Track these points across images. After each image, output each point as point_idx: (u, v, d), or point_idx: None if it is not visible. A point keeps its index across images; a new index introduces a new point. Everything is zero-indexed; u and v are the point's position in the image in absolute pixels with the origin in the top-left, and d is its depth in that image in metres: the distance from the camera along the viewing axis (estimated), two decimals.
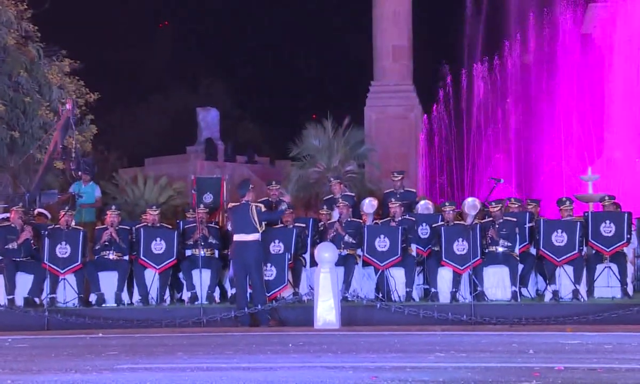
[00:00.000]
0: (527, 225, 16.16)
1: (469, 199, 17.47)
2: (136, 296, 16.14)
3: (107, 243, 16.15)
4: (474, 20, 29.21)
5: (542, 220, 15.88)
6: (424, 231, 16.44)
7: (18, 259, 15.96)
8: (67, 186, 21.05)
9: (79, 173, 18.75)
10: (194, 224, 16.21)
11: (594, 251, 15.69)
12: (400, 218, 16.27)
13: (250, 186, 15.39)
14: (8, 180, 21.84)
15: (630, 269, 15.98)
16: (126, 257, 16.25)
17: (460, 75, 28.47)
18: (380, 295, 15.59)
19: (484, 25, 28.79)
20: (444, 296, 15.58)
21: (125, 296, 16.16)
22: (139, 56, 43.54)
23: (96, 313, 15.54)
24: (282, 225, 16.18)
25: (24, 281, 16.01)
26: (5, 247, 15.99)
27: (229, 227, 16.37)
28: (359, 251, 16.11)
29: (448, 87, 28.58)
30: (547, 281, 15.56)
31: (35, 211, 17.86)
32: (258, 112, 44.51)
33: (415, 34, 28.97)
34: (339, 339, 12.47)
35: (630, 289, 15.74)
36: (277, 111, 43.56)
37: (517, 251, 15.77)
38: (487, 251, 15.66)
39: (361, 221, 16.93)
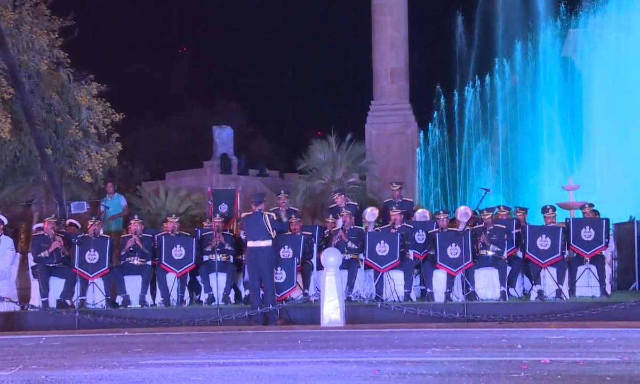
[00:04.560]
0: (514, 231, 16.15)
1: (461, 208, 17.50)
2: (158, 298, 16.15)
3: (131, 250, 16.15)
4: (465, 45, 29.23)
5: (527, 226, 15.89)
6: (420, 236, 16.42)
7: (51, 265, 15.98)
8: (94, 197, 21.13)
9: None
10: (211, 232, 16.20)
11: (575, 254, 15.69)
12: (399, 225, 16.25)
13: (265, 198, 15.44)
14: (42, 193, 21.90)
15: (608, 270, 15.96)
16: (149, 263, 16.25)
17: (452, 94, 28.47)
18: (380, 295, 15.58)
19: (474, 49, 28.82)
20: (439, 296, 15.55)
21: (148, 297, 16.17)
22: (160, 79, 43.59)
23: (122, 313, 15.54)
24: (290, 232, 16.16)
25: (57, 285, 16.03)
26: (39, 254, 16.01)
27: (242, 235, 16.36)
28: (361, 256, 16.09)
29: (442, 106, 28.58)
30: (533, 282, 15.55)
31: (67, 222, 17.90)
32: (269, 130, 44.53)
33: (412, 57, 28.98)
34: (344, 336, 12.44)
35: (608, 288, 15.71)
36: (286, 128, 43.61)
37: (505, 254, 15.76)
38: (478, 254, 15.64)
39: (363, 228, 16.91)
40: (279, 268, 15.32)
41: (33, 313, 15.61)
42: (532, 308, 14.84)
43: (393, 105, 28.39)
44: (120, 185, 22.61)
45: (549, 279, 15.34)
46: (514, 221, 16.51)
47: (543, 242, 15.32)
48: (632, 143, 24.45)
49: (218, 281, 15.69)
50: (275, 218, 15.05)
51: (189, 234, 16.91)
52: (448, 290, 15.51)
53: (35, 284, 16.15)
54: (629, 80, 25.22)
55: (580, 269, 15.56)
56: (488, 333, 12.40)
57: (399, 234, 15.85)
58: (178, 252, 15.97)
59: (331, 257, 14.56)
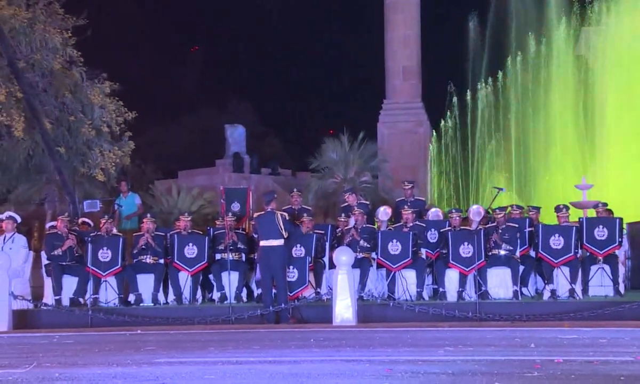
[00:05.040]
0: (527, 230, 16.11)
1: (474, 207, 17.41)
2: (171, 296, 16.18)
3: (144, 248, 16.18)
4: (478, 43, 29.16)
5: (540, 225, 15.86)
6: (432, 235, 16.39)
7: (64, 263, 16.04)
8: (107, 196, 21.19)
9: None
10: (223, 231, 16.21)
11: (588, 254, 15.63)
12: (412, 224, 16.24)
13: (275, 195, 15.44)
14: (55, 191, 21.98)
15: (621, 269, 15.93)
16: (162, 261, 16.27)
17: (465, 93, 28.42)
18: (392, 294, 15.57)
19: (487, 47, 28.75)
20: (451, 295, 15.53)
21: (161, 296, 16.21)
22: (172, 78, 43.70)
23: (135, 311, 15.56)
24: (303, 231, 16.16)
25: (70, 283, 16.07)
26: (52, 253, 16.07)
27: (254, 234, 16.37)
28: (373, 255, 16.07)
29: (454, 104, 28.53)
30: (546, 281, 15.51)
31: (80, 220, 17.95)
32: (281, 129, 44.58)
33: (424, 56, 28.96)
34: (356, 335, 12.44)
35: (621, 288, 15.68)
36: (298, 127, 43.67)
37: (517, 253, 15.71)
38: (490, 253, 15.60)
39: (375, 227, 16.90)
40: (291, 267, 15.31)
41: (46, 311, 15.67)
42: (545, 307, 14.82)
43: (405, 104, 28.39)
44: (133, 184, 22.66)
45: (561, 279, 15.30)
46: (527, 220, 16.47)
47: (556, 242, 15.29)
48: None
49: (230, 280, 15.71)
50: (287, 218, 15.07)
51: (201, 233, 16.92)
52: (460, 289, 15.48)
53: (48, 283, 16.21)
54: None
55: (594, 268, 15.51)
56: (501, 332, 12.39)
57: (411, 233, 15.84)
58: (190, 250, 15.99)
59: (343, 256, 14.55)
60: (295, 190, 17.76)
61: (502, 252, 15.60)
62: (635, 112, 24.95)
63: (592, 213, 17.54)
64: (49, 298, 16.05)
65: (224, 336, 12.69)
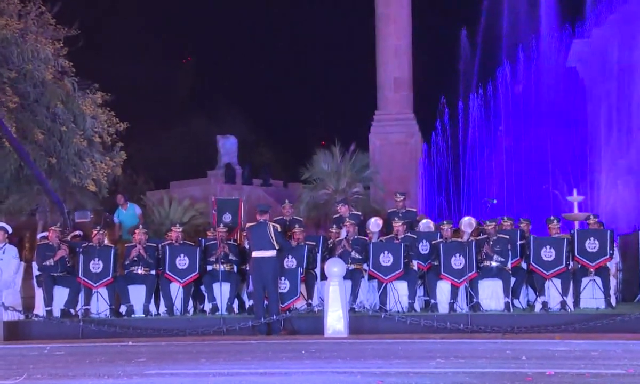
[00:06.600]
0: (519, 242, 16.12)
1: (465, 218, 17.43)
2: (162, 307, 16.15)
3: (135, 259, 16.16)
4: (469, 55, 29.24)
5: (532, 237, 15.85)
6: (424, 247, 16.39)
7: (55, 274, 16.00)
8: (98, 206, 21.17)
9: None
10: (215, 242, 16.19)
11: (579, 266, 15.65)
12: (403, 236, 16.24)
13: (270, 208, 15.48)
14: (46, 202, 21.94)
15: (613, 282, 15.96)
16: (153, 272, 16.25)
17: (456, 104, 28.47)
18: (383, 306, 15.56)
19: (478, 59, 28.84)
20: (443, 307, 15.54)
21: (152, 307, 16.18)
22: (164, 88, 43.65)
23: (126, 322, 15.54)
24: (295, 243, 16.16)
25: (61, 294, 16.04)
26: (44, 263, 16.03)
27: (247, 245, 16.36)
28: (365, 266, 16.07)
29: (445, 116, 28.58)
30: (537, 293, 15.52)
31: (69, 236, 17.80)
32: (272, 140, 44.55)
33: (415, 67, 28.99)
34: (348, 346, 12.43)
35: (613, 300, 15.70)
36: (290, 138, 43.61)
37: (509, 265, 15.71)
38: (482, 265, 15.61)
39: (367, 238, 16.91)
40: (282, 278, 15.31)
41: (37, 322, 15.62)
42: (536, 319, 14.82)
43: (397, 115, 28.38)
44: (125, 194, 22.60)
45: (553, 291, 15.31)
46: (518, 231, 16.48)
47: (547, 253, 15.31)
48: (636, 154, 24.46)
49: (222, 291, 15.70)
50: (279, 230, 15.08)
51: (193, 244, 16.92)
52: (452, 301, 15.49)
53: (39, 293, 16.17)
54: (633, 91, 25.24)
55: (585, 280, 15.53)
56: (492, 344, 12.39)
57: (402, 244, 15.85)
58: (182, 261, 15.98)
59: (335, 268, 14.56)
60: (287, 201, 17.79)
61: (494, 263, 15.61)
62: (626, 124, 25.05)
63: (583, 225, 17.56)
64: (40, 308, 16.01)
65: (215, 348, 12.68)
